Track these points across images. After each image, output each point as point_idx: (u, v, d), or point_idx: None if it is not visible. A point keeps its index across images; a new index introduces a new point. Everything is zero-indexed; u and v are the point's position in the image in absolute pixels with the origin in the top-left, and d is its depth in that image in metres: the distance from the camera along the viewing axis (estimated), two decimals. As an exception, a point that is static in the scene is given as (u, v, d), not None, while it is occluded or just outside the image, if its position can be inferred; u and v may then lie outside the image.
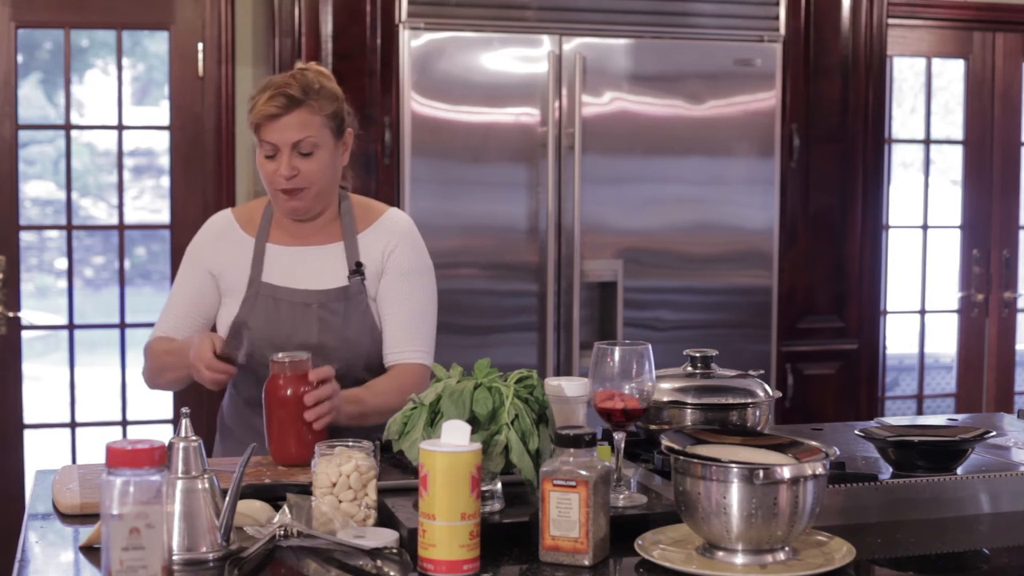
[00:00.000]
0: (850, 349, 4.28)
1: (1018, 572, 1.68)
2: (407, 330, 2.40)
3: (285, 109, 2.30)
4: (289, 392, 2.11)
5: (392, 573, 1.56)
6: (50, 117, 4.47)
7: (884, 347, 4.97)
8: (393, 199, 3.75)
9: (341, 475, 1.74)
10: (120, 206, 4.30)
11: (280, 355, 2.14)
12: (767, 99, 4.04)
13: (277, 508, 1.76)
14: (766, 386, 2.07)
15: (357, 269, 2.38)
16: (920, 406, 5.28)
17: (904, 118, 5.29)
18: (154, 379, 2.44)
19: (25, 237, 4.36)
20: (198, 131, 4.25)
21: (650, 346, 1.83)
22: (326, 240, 2.42)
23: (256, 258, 2.40)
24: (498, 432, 1.70)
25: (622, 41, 3.90)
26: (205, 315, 2.43)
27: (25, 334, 4.25)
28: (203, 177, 4.24)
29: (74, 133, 4.31)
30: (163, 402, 4.33)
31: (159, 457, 1.43)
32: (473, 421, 1.69)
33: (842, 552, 1.62)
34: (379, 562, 1.58)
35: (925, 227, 5.20)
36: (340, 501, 1.74)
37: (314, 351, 2.24)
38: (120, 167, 4.29)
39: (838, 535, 1.69)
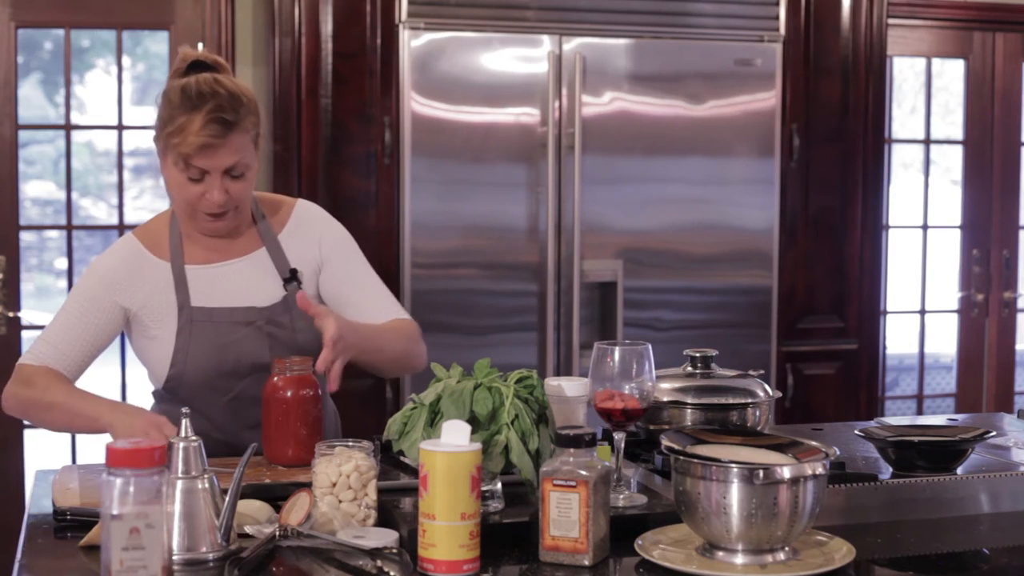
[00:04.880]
0: (850, 349, 4.28)
1: (1018, 572, 1.68)
2: (381, 297, 2.34)
3: (222, 136, 2.12)
4: (289, 394, 2.11)
5: (392, 573, 1.56)
6: (50, 117, 4.47)
7: (884, 347, 4.97)
8: (393, 199, 3.75)
9: (341, 475, 1.74)
10: (120, 206, 4.30)
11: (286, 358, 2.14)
12: (767, 99, 4.04)
13: (277, 508, 1.76)
14: (766, 386, 2.07)
15: (292, 276, 2.27)
16: (920, 406, 5.28)
17: (904, 118, 5.29)
18: (30, 413, 2.19)
19: (25, 237, 4.36)
20: (198, 131, 4.25)
21: (650, 346, 1.83)
22: (246, 250, 2.29)
23: (179, 283, 2.23)
24: (498, 432, 1.70)
25: (622, 41, 3.90)
26: (99, 350, 2.25)
27: (25, 334, 4.25)
28: (203, 177, 4.24)
29: (74, 133, 4.31)
30: (163, 402, 4.33)
31: (159, 457, 1.43)
32: (473, 421, 1.69)
33: (842, 552, 1.62)
34: (379, 562, 1.58)
35: (925, 227, 5.20)
36: (340, 501, 1.74)
37: (267, 368, 2.19)
38: (120, 167, 4.29)
39: (838, 535, 1.69)
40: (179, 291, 2.23)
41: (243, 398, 2.24)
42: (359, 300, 2.32)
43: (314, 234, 2.33)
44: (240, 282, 2.26)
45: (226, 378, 2.23)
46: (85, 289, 2.25)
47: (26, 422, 4.21)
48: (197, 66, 2.21)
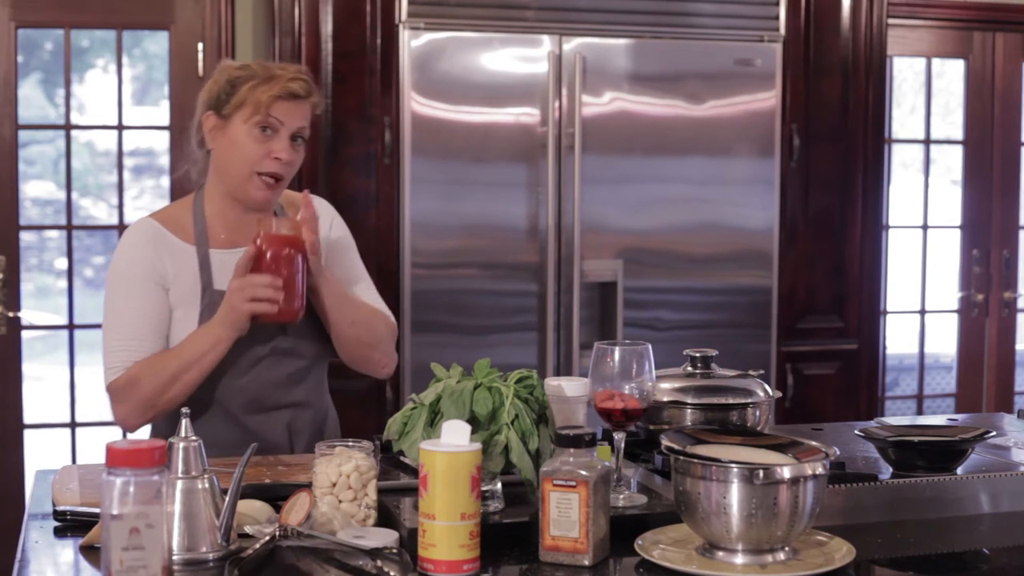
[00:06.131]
0: (850, 349, 4.28)
1: (1018, 572, 1.68)
2: (372, 297, 2.44)
3: (305, 94, 2.28)
4: (288, 251, 2.18)
5: (392, 573, 1.56)
6: (50, 117, 4.47)
7: (884, 347, 4.97)
8: (393, 199, 3.75)
9: (341, 475, 1.74)
10: (120, 206, 4.30)
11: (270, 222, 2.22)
12: (767, 99, 4.04)
13: (277, 508, 1.76)
14: (766, 386, 2.07)
15: None
16: (920, 406, 5.28)
17: (904, 118, 5.29)
18: (160, 406, 2.21)
19: (25, 237, 4.35)
20: (198, 131, 4.25)
21: (650, 346, 1.83)
22: None
23: (203, 265, 2.28)
24: (498, 432, 1.70)
25: (622, 41, 3.90)
26: (164, 332, 2.27)
27: (25, 334, 4.25)
28: (203, 177, 4.24)
29: (74, 133, 4.31)
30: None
31: (159, 457, 1.44)
32: (473, 421, 1.69)
33: (842, 552, 1.62)
34: (379, 562, 1.58)
35: (925, 227, 5.20)
36: (340, 501, 1.74)
37: (285, 353, 2.29)
38: (120, 167, 4.29)
39: (838, 535, 1.69)
40: (203, 273, 2.28)
41: (258, 381, 2.28)
42: (352, 290, 2.40)
43: (324, 222, 2.40)
44: None
45: (243, 361, 2.27)
46: (124, 281, 2.27)
47: (27, 421, 4.22)
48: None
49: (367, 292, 2.45)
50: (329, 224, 2.42)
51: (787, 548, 1.60)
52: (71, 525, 1.79)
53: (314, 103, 2.31)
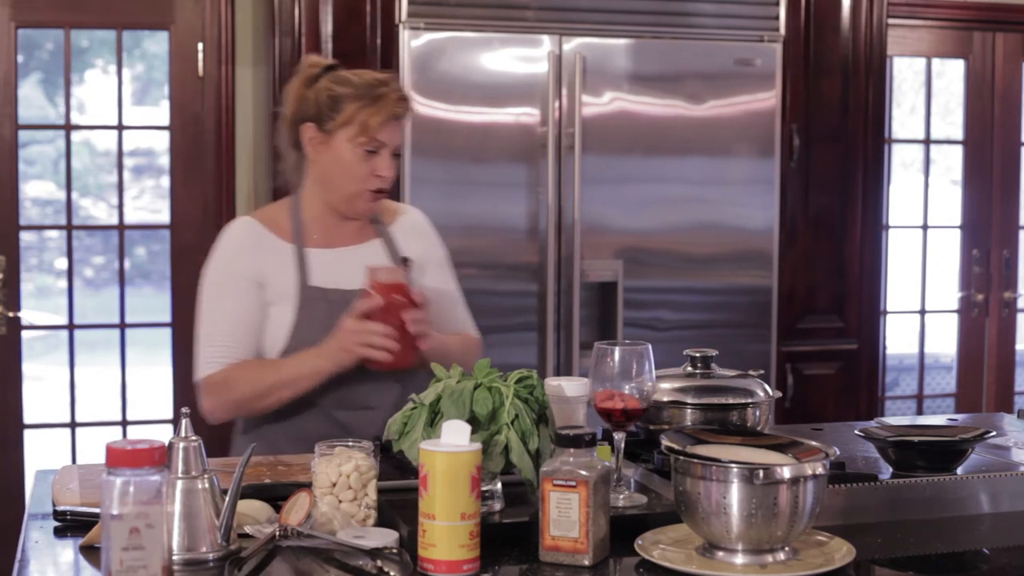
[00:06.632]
0: (850, 349, 4.28)
1: (1018, 572, 1.68)
2: (461, 313, 2.54)
3: (406, 116, 2.37)
4: (400, 299, 2.24)
5: (392, 573, 1.56)
6: (50, 117, 4.47)
7: (884, 347, 4.97)
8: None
9: (341, 475, 1.74)
10: (120, 206, 4.30)
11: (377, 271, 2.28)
12: (767, 99, 4.04)
13: (277, 508, 1.76)
14: (766, 386, 2.07)
15: (405, 263, 2.39)
16: (920, 406, 5.28)
17: (904, 118, 5.29)
18: (246, 408, 2.32)
19: (25, 237, 4.35)
20: (198, 131, 4.25)
21: (650, 346, 1.83)
22: (362, 239, 2.44)
23: (300, 263, 2.36)
24: (498, 432, 1.70)
25: (622, 41, 3.90)
26: (259, 331, 2.35)
27: (25, 334, 4.25)
28: (203, 177, 4.24)
29: (74, 133, 4.31)
30: (163, 402, 4.33)
31: (159, 457, 1.44)
32: (473, 421, 1.69)
33: (842, 552, 1.62)
34: (379, 562, 1.58)
35: (925, 227, 5.20)
36: (340, 501, 1.74)
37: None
38: (120, 167, 4.29)
39: (838, 535, 1.69)
40: (300, 270, 2.35)
41: (348, 376, 2.31)
42: (444, 308, 2.47)
43: (423, 238, 2.51)
44: (355, 267, 2.36)
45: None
46: (222, 277, 2.35)
47: (27, 421, 4.22)
48: (330, 69, 2.41)
49: (458, 310, 2.54)
50: (426, 246, 2.49)
51: (787, 548, 1.60)
52: (71, 525, 1.79)
53: (410, 115, 2.40)
